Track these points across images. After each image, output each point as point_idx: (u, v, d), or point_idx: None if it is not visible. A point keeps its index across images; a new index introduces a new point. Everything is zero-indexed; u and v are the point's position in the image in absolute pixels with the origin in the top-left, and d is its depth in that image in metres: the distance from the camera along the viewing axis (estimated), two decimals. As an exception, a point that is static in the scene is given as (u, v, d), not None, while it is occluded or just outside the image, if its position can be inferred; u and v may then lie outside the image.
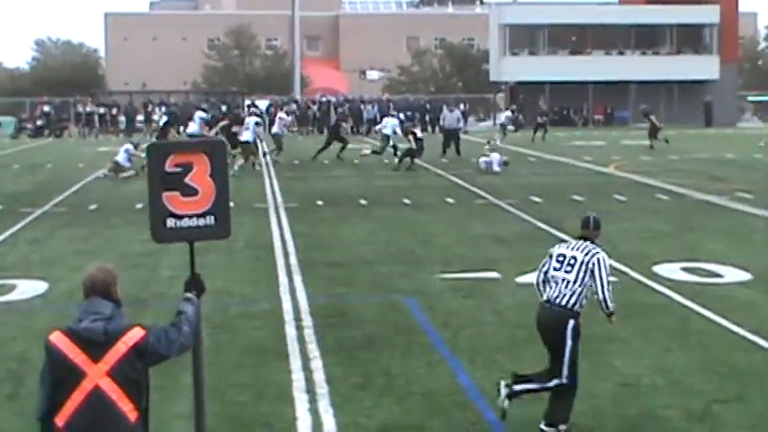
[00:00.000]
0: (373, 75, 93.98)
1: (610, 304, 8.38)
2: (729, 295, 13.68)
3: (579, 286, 8.33)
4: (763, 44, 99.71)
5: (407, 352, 11.01)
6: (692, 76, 66.24)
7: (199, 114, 38.99)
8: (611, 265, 8.56)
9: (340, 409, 9.18)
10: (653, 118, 43.22)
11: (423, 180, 30.25)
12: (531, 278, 14.54)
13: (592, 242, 8.57)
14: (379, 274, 15.54)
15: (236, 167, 30.57)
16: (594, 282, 8.31)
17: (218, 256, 16.21)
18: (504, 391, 8.64)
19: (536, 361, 10.48)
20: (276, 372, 10.32)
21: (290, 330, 11.99)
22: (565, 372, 8.35)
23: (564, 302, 8.37)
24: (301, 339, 11.57)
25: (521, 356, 10.71)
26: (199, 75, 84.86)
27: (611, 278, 8.51)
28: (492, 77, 70.99)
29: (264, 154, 38.22)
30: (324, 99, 66.83)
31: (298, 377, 10.12)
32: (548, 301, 8.45)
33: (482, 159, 32.57)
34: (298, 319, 12.54)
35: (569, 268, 8.36)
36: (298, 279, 15.03)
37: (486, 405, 9.19)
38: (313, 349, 11.15)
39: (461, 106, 56.55)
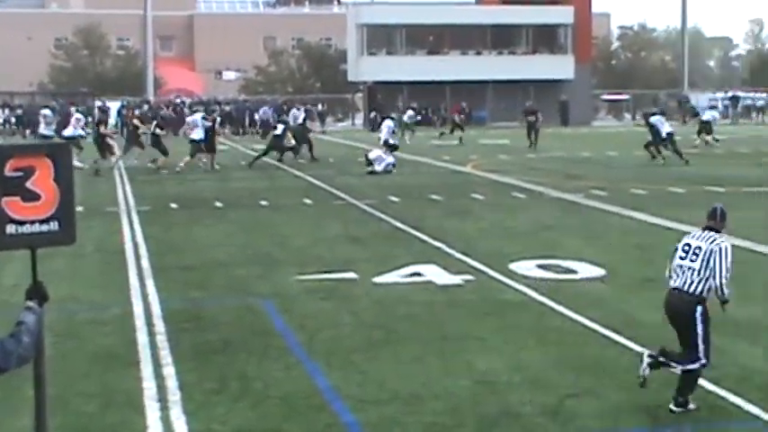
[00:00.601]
0: (230, 75, 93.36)
1: (725, 290, 8.73)
2: (584, 291, 13.81)
3: (704, 274, 8.66)
4: (616, 44, 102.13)
5: (264, 355, 10.79)
6: (547, 76, 67.45)
7: (76, 116, 38.25)
8: (732, 255, 8.78)
9: (193, 416, 8.92)
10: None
11: (280, 181, 30.03)
12: (387, 278, 14.66)
13: (717, 232, 8.89)
14: (234, 276, 15.28)
15: (152, 164, 31.11)
16: (713, 268, 8.63)
17: (66, 261, 15.69)
18: (646, 360, 8.98)
19: (393, 360, 10.42)
20: (126, 379, 9.99)
21: (142, 336, 11.65)
22: (701, 354, 8.69)
23: (691, 290, 8.73)
24: (153, 345, 11.25)
25: (378, 357, 10.61)
26: (46, 75, 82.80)
27: (727, 269, 8.69)
28: (350, 77, 71.12)
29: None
30: (179, 100, 65.95)
31: (149, 384, 9.81)
32: (675, 288, 8.84)
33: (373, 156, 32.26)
34: (150, 324, 12.21)
35: (694, 257, 8.73)
36: (150, 283, 14.66)
37: (342, 407, 9.04)
38: (165, 355, 10.84)
39: (319, 107, 56.47)
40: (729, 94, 74.10)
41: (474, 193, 25.74)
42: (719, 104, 73.10)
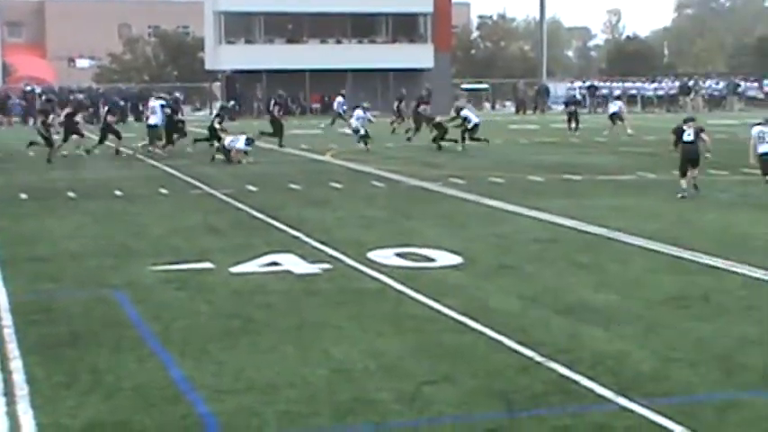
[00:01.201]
0: (83, 63, 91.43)
1: None
2: (441, 279, 13.86)
3: None
4: (475, 33, 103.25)
5: (116, 347, 10.53)
6: (407, 65, 67.74)
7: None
8: None
9: (41, 410, 8.64)
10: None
11: (136, 171, 29.52)
12: (245, 268, 14.50)
13: None
14: (87, 268, 14.90)
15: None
16: None
17: None
18: None
19: (250, 350, 10.28)
20: (-30, 375, 9.64)
21: (-12, 330, 11.27)
22: None
23: None
24: (0, 339, 10.89)
25: (234, 346, 10.46)
26: None
27: None
28: (208, 66, 70.39)
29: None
30: (29, 88, 64.23)
31: (-5, 379, 9.48)
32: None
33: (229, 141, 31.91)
34: (-3, 317, 11.83)
35: None
36: (-2, 275, 14.22)
37: (197, 397, 8.87)
38: (13, 349, 10.50)
39: (176, 95, 55.65)
40: (587, 83, 75.53)
41: (332, 182, 25.68)
42: (577, 93, 74.51)
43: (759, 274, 13.72)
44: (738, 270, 14.03)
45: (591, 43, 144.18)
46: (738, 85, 73.43)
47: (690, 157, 22.20)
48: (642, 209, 20.47)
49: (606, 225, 18.06)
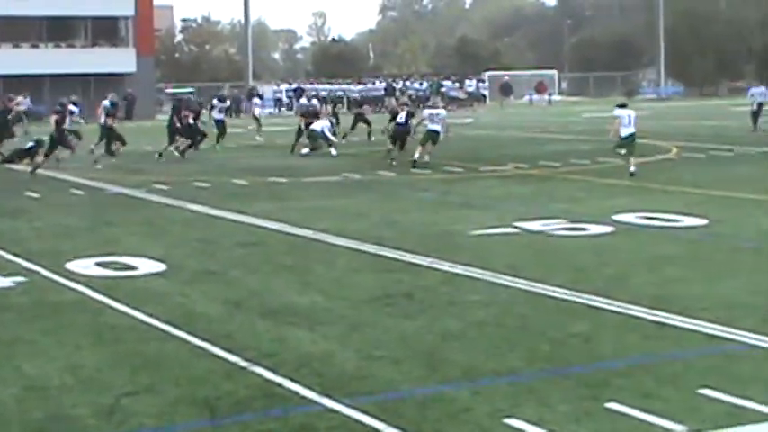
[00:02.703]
0: None
1: None
2: (144, 287, 13.47)
3: None
4: (179, 37, 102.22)
5: None
6: (109, 69, 66.23)
7: None
8: None
9: None
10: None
11: None
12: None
13: None
14: None
15: None
16: None
17: None
18: None
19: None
20: None
21: None
22: None
23: None
24: None
25: None
26: None
27: None
28: None
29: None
30: None
31: None
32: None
33: None
34: None
35: None
36: None
37: None
38: None
39: None
40: (294, 86, 76.05)
41: (29, 191, 24.65)
42: (283, 96, 74.89)
43: (459, 269, 14.05)
44: (439, 267, 14.32)
45: (297, 45, 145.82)
46: (442, 86, 75.89)
47: (398, 137, 30.25)
48: (347, 209, 20.67)
49: (311, 227, 18.10)
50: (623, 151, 25.66)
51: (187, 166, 31.57)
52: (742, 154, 31.52)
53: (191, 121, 35.50)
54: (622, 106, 26.38)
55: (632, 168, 24.93)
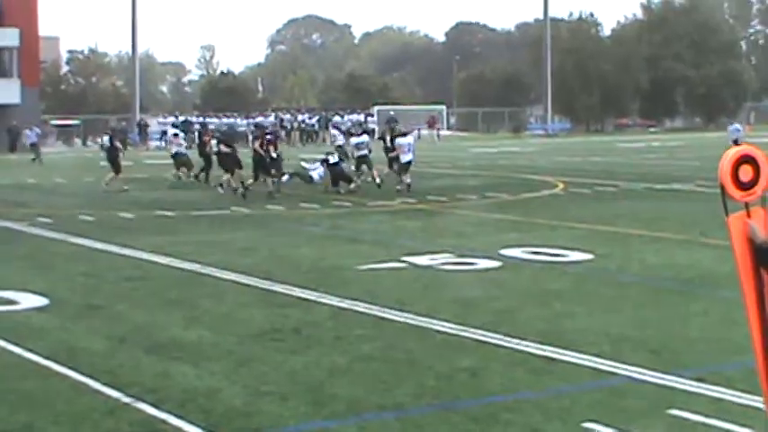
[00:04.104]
0: None
1: None
2: (25, 322, 13.14)
3: None
4: (65, 68, 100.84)
5: None
6: (-7, 101, 65.04)
7: None
8: None
9: None
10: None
11: None
12: None
13: None
14: None
15: None
16: None
17: None
18: None
19: None
20: None
21: None
22: None
23: None
24: None
25: None
26: None
27: None
28: None
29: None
30: None
31: None
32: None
33: None
34: None
35: None
36: None
37: None
38: None
39: None
40: (182, 118, 75.46)
41: None
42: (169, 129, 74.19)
43: (346, 304, 14.01)
44: (327, 301, 14.26)
45: (185, 78, 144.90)
46: (330, 120, 76.14)
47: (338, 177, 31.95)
48: (235, 244, 20.49)
49: (199, 261, 17.90)
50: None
51: (72, 199, 31.04)
52: (628, 189, 32.13)
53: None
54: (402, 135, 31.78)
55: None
